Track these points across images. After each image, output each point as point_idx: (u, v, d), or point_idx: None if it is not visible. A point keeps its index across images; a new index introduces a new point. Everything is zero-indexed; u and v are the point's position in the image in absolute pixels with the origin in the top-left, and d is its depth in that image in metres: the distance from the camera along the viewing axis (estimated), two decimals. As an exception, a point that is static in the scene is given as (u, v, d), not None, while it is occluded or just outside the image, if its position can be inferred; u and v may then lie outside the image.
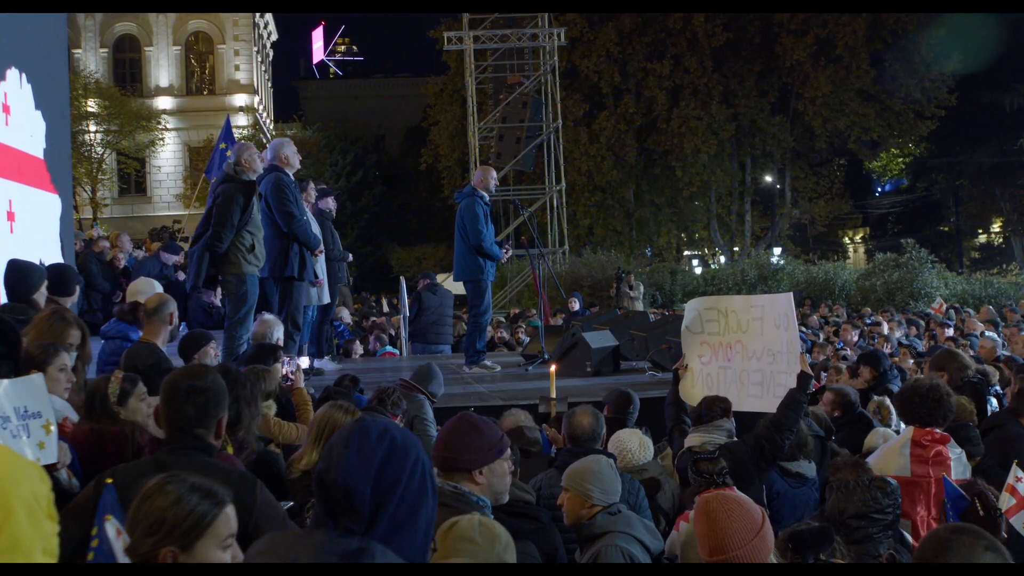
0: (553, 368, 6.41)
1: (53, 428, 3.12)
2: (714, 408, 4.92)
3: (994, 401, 6.88)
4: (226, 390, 3.18)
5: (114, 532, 2.26)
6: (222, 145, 11.78)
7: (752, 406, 5.47)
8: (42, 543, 2.01)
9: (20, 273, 5.46)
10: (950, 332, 11.62)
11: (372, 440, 1.67)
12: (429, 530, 1.70)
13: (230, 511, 2.20)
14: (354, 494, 1.62)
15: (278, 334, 6.37)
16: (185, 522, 2.11)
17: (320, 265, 8.32)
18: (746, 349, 5.51)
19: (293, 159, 7.87)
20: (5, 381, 3.10)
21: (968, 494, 3.77)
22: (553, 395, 6.02)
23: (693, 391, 5.70)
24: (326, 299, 8.65)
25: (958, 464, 4.41)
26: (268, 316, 6.80)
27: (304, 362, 5.93)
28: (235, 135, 12.38)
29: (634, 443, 4.83)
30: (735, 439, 4.85)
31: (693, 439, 4.82)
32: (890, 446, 4.50)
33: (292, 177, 7.86)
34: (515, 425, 5.10)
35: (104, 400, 3.68)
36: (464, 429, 3.07)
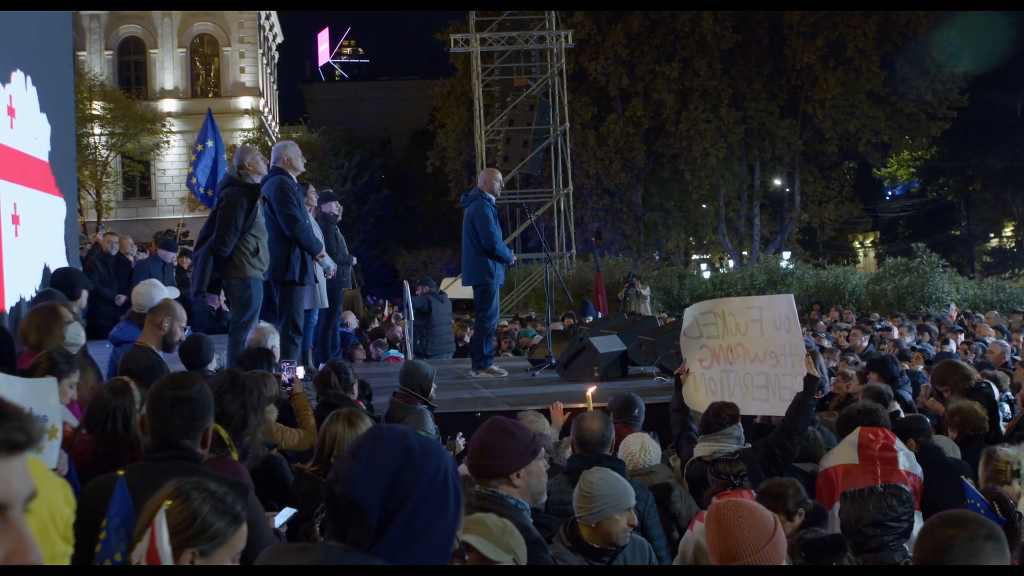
0: (590, 391, 6.24)
1: (58, 435, 3.10)
2: (722, 416, 4.85)
3: (1006, 407, 6.85)
4: (212, 400, 3.12)
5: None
6: (199, 147, 10.87)
7: (759, 409, 5.43)
8: (49, 563, 1.99)
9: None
10: (961, 338, 11.55)
11: (385, 450, 1.61)
12: (449, 539, 1.64)
13: (245, 527, 2.35)
14: (360, 506, 1.56)
15: (273, 342, 6.28)
16: (211, 529, 2.26)
17: (319, 268, 8.23)
18: (747, 352, 5.48)
19: (297, 162, 7.78)
20: (20, 380, 3.12)
21: (987, 498, 3.70)
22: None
23: (696, 396, 5.65)
24: (325, 303, 8.57)
25: (903, 455, 4.57)
26: (264, 324, 6.71)
27: (300, 372, 5.86)
28: (223, 136, 11.31)
29: (636, 447, 4.81)
30: (746, 445, 4.79)
31: (703, 448, 4.75)
32: (841, 443, 4.74)
33: (296, 180, 7.80)
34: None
35: (129, 411, 3.64)
36: (496, 434, 3.08)
